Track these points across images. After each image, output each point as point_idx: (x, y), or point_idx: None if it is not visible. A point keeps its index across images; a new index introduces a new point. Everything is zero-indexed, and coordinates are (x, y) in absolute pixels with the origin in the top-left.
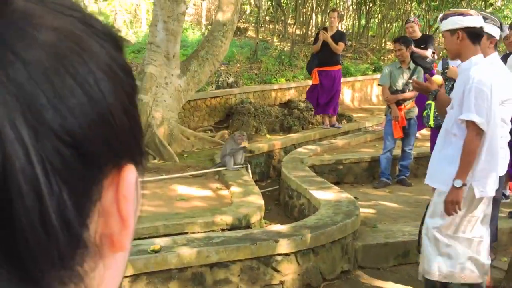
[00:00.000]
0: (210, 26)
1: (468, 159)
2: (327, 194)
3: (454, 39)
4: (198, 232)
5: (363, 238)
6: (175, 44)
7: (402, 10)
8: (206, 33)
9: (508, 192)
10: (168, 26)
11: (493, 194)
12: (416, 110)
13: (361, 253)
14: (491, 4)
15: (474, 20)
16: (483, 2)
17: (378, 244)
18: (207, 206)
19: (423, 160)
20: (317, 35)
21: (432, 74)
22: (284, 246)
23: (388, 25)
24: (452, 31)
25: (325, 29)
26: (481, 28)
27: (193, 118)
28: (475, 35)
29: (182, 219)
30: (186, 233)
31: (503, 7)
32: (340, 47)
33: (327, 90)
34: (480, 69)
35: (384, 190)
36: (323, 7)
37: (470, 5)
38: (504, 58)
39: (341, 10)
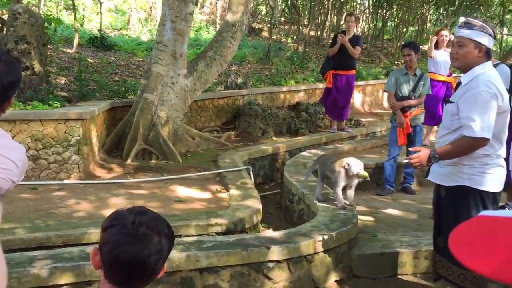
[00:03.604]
0: None
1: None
2: (327, 200)
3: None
4: (192, 235)
5: (360, 246)
6: (183, 43)
7: (419, 14)
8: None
9: None
10: (176, 26)
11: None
12: (422, 117)
13: (356, 262)
14: (510, 11)
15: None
16: (501, 8)
17: (374, 254)
18: (204, 208)
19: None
20: (334, 38)
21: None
22: (276, 253)
23: (404, 29)
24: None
25: (344, 32)
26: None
27: (200, 118)
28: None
29: (176, 222)
30: (180, 235)
31: None
32: (357, 52)
33: (341, 94)
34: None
35: (387, 197)
36: (339, 9)
37: (489, 11)
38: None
39: (357, 12)
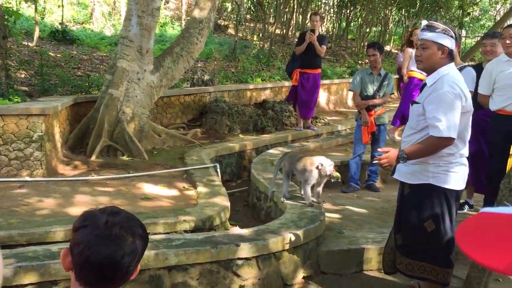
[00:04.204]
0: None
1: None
2: (294, 197)
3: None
4: (160, 233)
5: (327, 243)
6: (149, 39)
7: (382, 15)
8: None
9: (472, 201)
10: (142, 21)
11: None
12: (386, 116)
13: (323, 259)
14: (469, 14)
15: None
16: (461, 11)
17: (340, 250)
18: (172, 206)
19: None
20: (301, 36)
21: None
22: (245, 250)
23: (367, 29)
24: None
25: (313, 31)
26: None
27: (166, 115)
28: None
29: (144, 219)
30: (148, 233)
31: (480, 17)
32: (323, 50)
33: (308, 93)
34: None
35: (352, 194)
36: (304, 8)
37: (448, 13)
38: (476, 68)
39: (322, 12)
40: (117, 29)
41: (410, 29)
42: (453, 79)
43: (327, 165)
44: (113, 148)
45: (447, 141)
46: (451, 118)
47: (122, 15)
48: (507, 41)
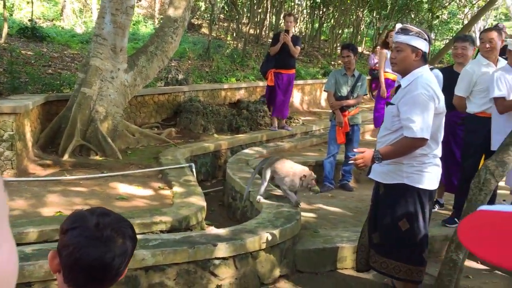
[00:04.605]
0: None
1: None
2: (270, 197)
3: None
4: (136, 234)
5: (303, 242)
6: (123, 37)
7: (354, 17)
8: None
9: (443, 201)
10: (116, 19)
11: None
12: (360, 117)
13: (300, 258)
14: (438, 17)
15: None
16: (430, 14)
17: (316, 249)
18: (147, 206)
19: None
20: (276, 36)
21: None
22: (222, 250)
23: (340, 31)
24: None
25: (287, 31)
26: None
27: (140, 114)
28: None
29: None
30: None
31: (448, 20)
32: (297, 51)
33: (283, 93)
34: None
35: (326, 194)
36: (278, 8)
37: (418, 16)
38: (446, 70)
39: (295, 13)
40: (89, 26)
41: (386, 31)
42: (427, 81)
43: (310, 178)
44: (86, 147)
45: (421, 142)
46: (425, 120)
47: (93, 12)
48: (487, 45)
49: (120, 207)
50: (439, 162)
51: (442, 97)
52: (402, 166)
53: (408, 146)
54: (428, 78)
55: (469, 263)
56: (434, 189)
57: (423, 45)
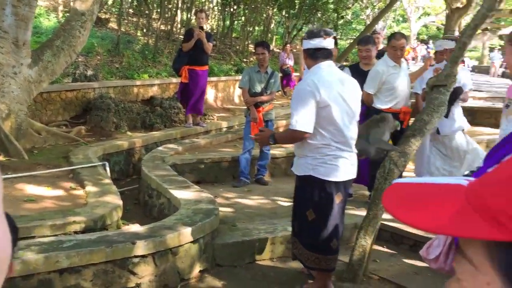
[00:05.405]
0: (68, 13)
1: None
2: (187, 193)
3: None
4: (48, 236)
5: (222, 236)
6: (26, 31)
7: (264, 15)
8: (63, 21)
9: (351, 191)
10: (18, 11)
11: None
12: (273, 113)
13: (219, 252)
14: (342, 17)
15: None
16: (336, 14)
17: (235, 243)
18: (59, 207)
19: (280, 160)
20: (188, 32)
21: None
22: (141, 247)
23: (251, 28)
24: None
25: (201, 28)
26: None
27: (46, 111)
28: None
29: (28, 222)
30: (34, 237)
31: (352, 20)
32: (210, 47)
33: (197, 89)
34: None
35: (243, 189)
36: (189, 5)
37: (324, 16)
38: (353, 68)
39: (206, 9)
40: None
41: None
42: (314, 77)
43: None
44: None
45: (299, 134)
46: (303, 113)
47: None
48: (398, 53)
49: (28, 209)
50: (346, 154)
51: (325, 91)
52: (307, 159)
53: (291, 136)
54: (318, 73)
55: (376, 247)
56: (342, 180)
57: (311, 44)
